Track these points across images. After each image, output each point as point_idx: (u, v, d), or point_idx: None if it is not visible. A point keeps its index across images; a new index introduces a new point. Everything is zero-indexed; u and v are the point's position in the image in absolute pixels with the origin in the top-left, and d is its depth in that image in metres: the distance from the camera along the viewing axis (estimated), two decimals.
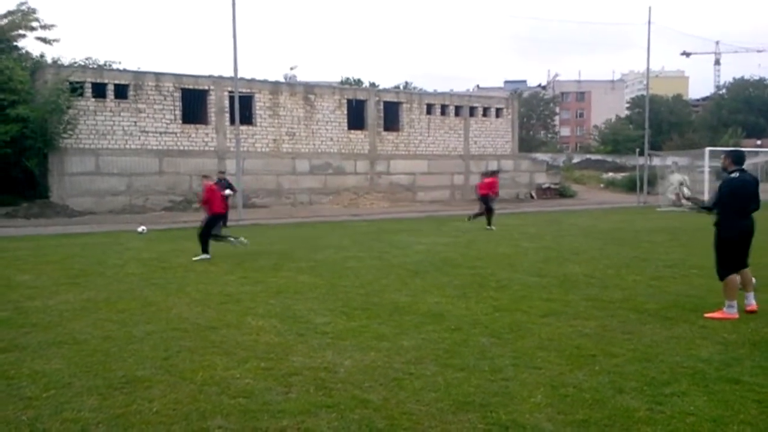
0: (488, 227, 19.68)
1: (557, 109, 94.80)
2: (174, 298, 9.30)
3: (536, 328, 7.35)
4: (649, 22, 39.34)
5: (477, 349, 6.57)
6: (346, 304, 8.79)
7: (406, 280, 10.72)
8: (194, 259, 12.94)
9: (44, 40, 31.94)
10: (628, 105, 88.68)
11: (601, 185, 50.34)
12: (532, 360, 6.18)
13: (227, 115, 31.14)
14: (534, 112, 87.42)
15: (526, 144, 66.31)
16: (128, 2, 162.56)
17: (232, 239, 13.58)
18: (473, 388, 5.41)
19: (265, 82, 33.72)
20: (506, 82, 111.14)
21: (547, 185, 41.74)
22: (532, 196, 40.64)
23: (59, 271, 11.95)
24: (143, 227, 14.43)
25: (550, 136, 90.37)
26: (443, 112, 38.71)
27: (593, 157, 64.98)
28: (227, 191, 21.19)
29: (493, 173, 22.84)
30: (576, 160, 62.85)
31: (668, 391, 5.31)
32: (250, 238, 17.72)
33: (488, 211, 20.21)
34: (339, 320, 7.84)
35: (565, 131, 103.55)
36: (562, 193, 41.90)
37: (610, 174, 53.38)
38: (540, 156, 53.31)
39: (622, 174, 51.53)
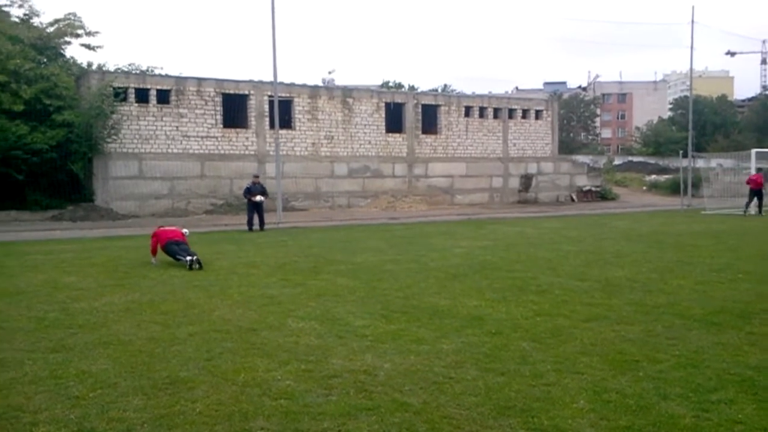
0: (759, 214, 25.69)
1: (598, 111, 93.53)
2: (216, 300, 9.42)
3: (578, 333, 7.26)
4: (693, 22, 38.63)
5: (518, 353, 6.51)
6: (385, 307, 8.80)
7: (444, 283, 10.69)
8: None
9: (89, 47, 32.66)
10: (670, 106, 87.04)
11: (644, 188, 49.53)
12: (574, 365, 6.10)
13: (267, 119, 31.45)
14: (574, 114, 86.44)
15: (567, 146, 65.60)
16: (170, 9, 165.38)
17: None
18: (514, 393, 5.37)
19: (304, 86, 33.97)
20: (546, 83, 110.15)
21: (587, 188, 41.19)
22: (572, 199, 40.16)
23: (104, 273, 12.20)
24: (185, 230, 14.60)
25: (590, 138, 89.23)
26: (482, 115, 38.51)
27: (635, 159, 64.01)
28: (259, 197, 21.55)
29: (759, 170, 28.58)
30: (617, 162, 62.01)
31: (715, 398, 5.20)
32: (290, 241, 17.90)
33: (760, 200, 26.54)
34: (378, 323, 7.85)
35: (606, 133, 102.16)
36: (603, 196, 41.30)
37: (653, 176, 52.52)
38: (580, 158, 52.69)
39: (665, 176, 50.67)
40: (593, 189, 41.31)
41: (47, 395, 5.39)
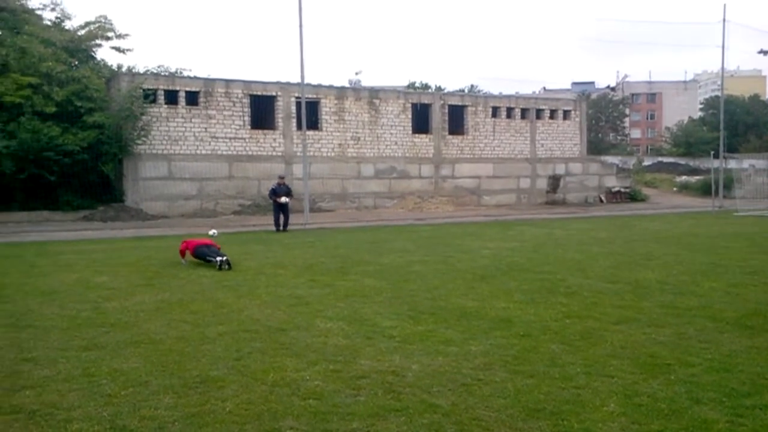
0: None
1: (627, 111, 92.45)
2: (245, 300, 9.50)
3: (608, 336, 7.19)
4: (724, 20, 38.03)
5: (547, 355, 6.47)
6: (413, 308, 8.80)
7: (472, 284, 10.65)
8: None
9: (119, 49, 33.28)
10: (701, 106, 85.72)
11: (674, 189, 48.89)
12: (604, 368, 6.04)
13: (294, 120, 31.61)
14: (603, 114, 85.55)
15: (595, 146, 64.99)
16: (198, 11, 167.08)
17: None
18: (544, 396, 5.33)
19: (331, 87, 34.07)
20: (574, 83, 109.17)
21: (617, 189, 40.75)
22: (601, 200, 39.77)
23: (135, 272, 12.35)
24: (214, 230, 14.77)
25: (619, 138, 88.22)
26: (509, 115, 38.30)
27: (665, 159, 63.18)
28: (284, 198, 21.71)
29: None
30: (647, 162, 61.25)
31: (749, 403, 5.11)
32: (317, 242, 17.98)
33: None
34: (406, 324, 7.84)
35: (635, 133, 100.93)
36: (632, 197, 40.83)
37: (684, 177, 51.78)
38: (609, 159, 52.17)
39: (696, 177, 49.94)
40: (622, 190, 40.86)
41: (80, 393, 5.47)
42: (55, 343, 7.07)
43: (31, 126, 25.23)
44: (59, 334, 7.48)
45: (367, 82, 68.33)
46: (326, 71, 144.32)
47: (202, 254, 13.10)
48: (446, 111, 36.31)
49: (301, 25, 25.42)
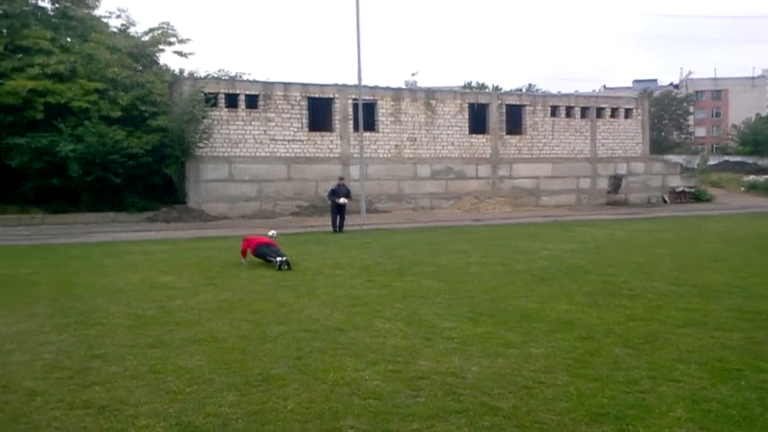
0: None
1: (691, 109, 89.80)
2: (304, 300, 9.60)
3: (674, 339, 7.00)
4: None
5: (610, 359, 6.34)
6: (472, 309, 8.74)
7: (532, 286, 10.51)
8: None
9: (181, 54, 34.15)
10: None
11: (742, 189, 47.26)
12: (670, 372, 5.89)
13: (351, 122, 31.81)
14: (666, 112, 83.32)
15: (658, 145, 63.31)
16: (256, 15, 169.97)
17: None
18: (607, 400, 5.22)
19: (387, 89, 34.15)
20: (635, 81, 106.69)
21: (681, 189, 39.64)
22: (665, 200, 38.75)
23: (198, 272, 12.63)
24: (273, 231, 14.97)
25: (683, 137, 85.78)
26: (568, 114, 37.68)
27: (732, 158, 61.09)
28: (343, 199, 21.86)
29: None
30: (713, 162, 59.34)
31: None
32: (374, 242, 18.04)
33: None
34: (465, 326, 7.80)
35: (700, 132, 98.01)
36: (697, 197, 39.64)
37: (752, 177, 49.99)
38: (673, 158, 50.74)
39: (765, 177, 48.16)
40: (687, 190, 39.72)
41: (147, 389, 5.62)
42: (122, 341, 7.28)
43: (97, 130, 26.10)
44: (126, 332, 7.70)
45: (423, 82, 68.37)
46: (383, 72, 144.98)
47: (263, 254, 13.31)
48: (504, 111, 35.96)
49: (358, 28, 25.56)
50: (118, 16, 31.98)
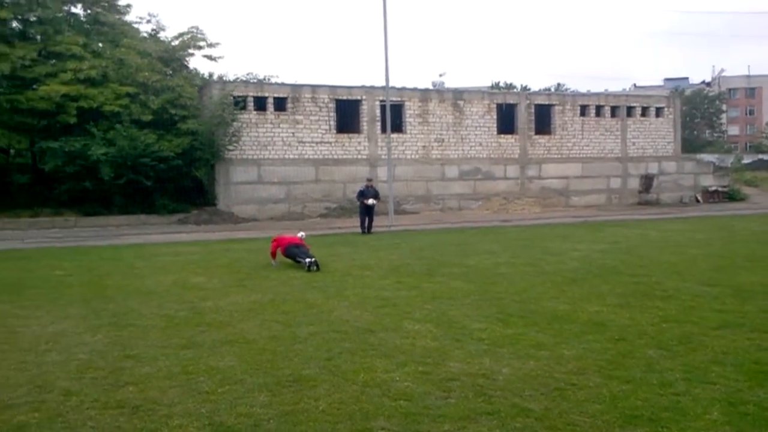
0: None
1: (724, 107, 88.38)
2: (334, 301, 9.63)
3: (709, 341, 6.88)
4: None
5: (643, 361, 6.25)
6: (502, 310, 8.69)
7: (562, 287, 10.41)
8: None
9: (210, 58, 34.52)
10: None
11: None
12: (705, 374, 5.79)
13: (378, 123, 31.82)
14: (698, 111, 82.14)
15: (690, 144, 62.45)
16: (284, 18, 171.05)
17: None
18: (641, 402, 5.16)
19: (415, 90, 34.11)
20: (666, 79, 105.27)
21: (714, 188, 38.99)
22: (697, 200, 38.15)
23: (228, 274, 12.73)
24: (302, 233, 15.04)
25: (716, 135, 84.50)
26: (598, 113, 37.28)
27: (766, 156, 59.98)
28: (371, 200, 21.88)
29: None
30: (746, 160, 58.30)
31: None
32: (402, 243, 18.03)
33: None
34: (495, 327, 7.75)
35: (733, 130, 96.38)
36: (731, 197, 38.94)
37: None
38: (706, 157, 49.94)
39: None
40: (720, 189, 39.06)
41: (180, 390, 5.68)
42: (155, 342, 7.37)
43: (128, 134, 26.45)
44: (158, 333, 7.79)
45: (450, 83, 68.20)
46: (410, 73, 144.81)
47: (293, 254, 13.39)
48: (532, 111, 35.70)
49: (385, 29, 25.59)
50: (149, 21, 32.45)
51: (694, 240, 17.48)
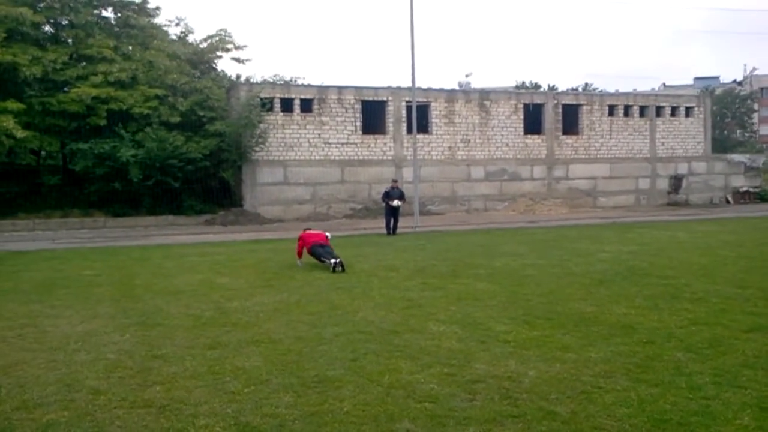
0: None
1: (756, 106, 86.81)
2: (359, 302, 9.63)
3: (740, 344, 6.77)
4: None
5: (672, 364, 6.17)
6: (528, 312, 8.62)
7: (590, 289, 10.31)
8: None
9: (238, 60, 35.19)
10: None
11: None
12: (736, 378, 5.69)
13: (404, 124, 31.81)
14: (729, 111, 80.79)
15: (721, 144, 61.48)
16: (311, 19, 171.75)
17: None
18: (670, 406, 5.08)
19: (441, 90, 34.03)
20: (696, 79, 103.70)
21: (745, 189, 38.35)
22: (728, 201, 37.56)
23: (254, 274, 12.81)
24: (328, 234, 15.08)
25: (747, 135, 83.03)
26: (626, 113, 36.86)
27: None
28: (396, 201, 21.86)
29: None
30: None
31: None
32: (428, 244, 17.99)
33: None
34: (521, 329, 7.70)
35: (764, 130, 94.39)
36: (763, 197, 38.28)
37: None
38: (736, 157, 48.98)
39: None
40: (751, 190, 38.41)
41: (206, 390, 5.73)
42: (181, 341, 7.44)
43: (157, 135, 26.77)
44: (185, 333, 7.86)
45: (476, 83, 67.93)
46: (436, 74, 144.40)
47: (318, 254, 13.43)
48: (559, 111, 35.41)
49: (412, 30, 25.56)
50: (177, 24, 32.86)
51: (725, 242, 17.20)
